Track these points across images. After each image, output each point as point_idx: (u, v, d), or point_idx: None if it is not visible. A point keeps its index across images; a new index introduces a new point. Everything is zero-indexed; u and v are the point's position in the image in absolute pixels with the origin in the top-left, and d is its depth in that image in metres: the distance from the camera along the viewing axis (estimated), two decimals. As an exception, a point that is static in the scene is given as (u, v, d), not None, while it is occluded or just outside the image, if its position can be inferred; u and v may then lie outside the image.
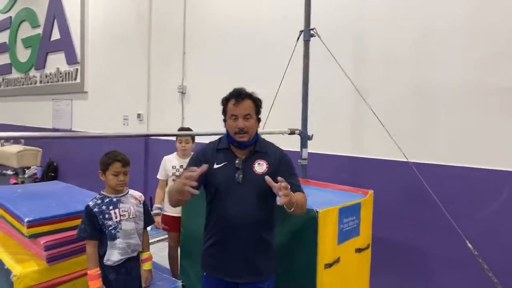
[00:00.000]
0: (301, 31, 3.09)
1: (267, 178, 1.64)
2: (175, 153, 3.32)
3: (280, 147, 2.02)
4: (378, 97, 3.32)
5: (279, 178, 1.62)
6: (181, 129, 3.58)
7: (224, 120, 1.93)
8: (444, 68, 3.04)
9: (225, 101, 1.90)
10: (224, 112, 1.91)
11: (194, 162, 1.93)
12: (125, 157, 2.25)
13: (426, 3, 3.15)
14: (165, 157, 3.31)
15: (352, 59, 3.50)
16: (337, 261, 2.26)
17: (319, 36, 3.03)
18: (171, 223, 3.22)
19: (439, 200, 2.74)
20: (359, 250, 2.49)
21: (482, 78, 2.88)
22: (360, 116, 3.44)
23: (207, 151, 1.95)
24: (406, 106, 3.24)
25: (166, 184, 3.27)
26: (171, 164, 3.24)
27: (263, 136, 3.37)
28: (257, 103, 1.89)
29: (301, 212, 1.84)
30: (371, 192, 2.62)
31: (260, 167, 1.86)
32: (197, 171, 1.61)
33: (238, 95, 1.84)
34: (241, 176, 1.83)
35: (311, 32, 3.04)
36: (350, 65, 3.42)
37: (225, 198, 1.84)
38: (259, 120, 1.93)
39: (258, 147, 1.92)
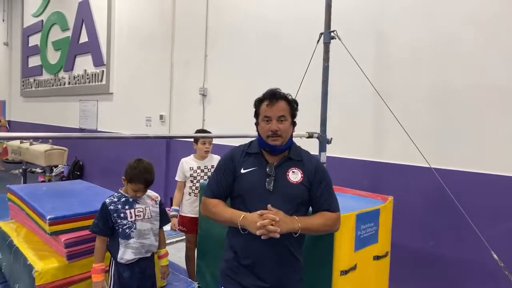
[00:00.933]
0: (321, 34, 3.05)
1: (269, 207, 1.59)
2: (192, 155, 3.35)
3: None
4: (400, 100, 3.24)
5: (268, 206, 1.58)
6: (201, 131, 3.58)
7: (256, 124, 1.78)
8: (470, 69, 2.93)
9: (258, 102, 1.75)
10: (257, 114, 1.77)
11: (225, 167, 1.78)
12: (151, 178, 2.28)
13: (448, 2, 3.04)
14: (183, 159, 3.34)
15: (373, 61, 3.43)
16: (353, 268, 2.21)
17: (339, 39, 2.99)
18: (188, 225, 3.24)
19: (463, 208, 2.64)
20: (377, 258, 2.42)
21: (510, 80, 2.75)
22: (381, 119, 3.36)
23: (235, 155, 1.79)
24: (430, 110, 3.14)
25: (184, 185, 3.30)
26: (189, 165, 3.26)
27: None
28: (292, 105, 1.74)
29: (317, 234, 1.78)
30: (390, 198, 2.55)
31: (295, 175, 1.70)
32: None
33: (273, 95, 1.70)
34: (272, 183, 1.67)
35: (332, 34, 3.00)
36: (371, 67, 3.36)
37: (253, 208, 1.64)
38: (294, 123, 1.77)
39: (293, 154, 1.76)
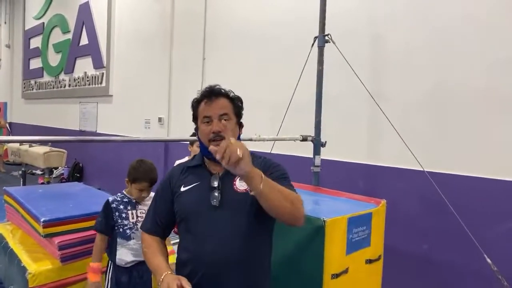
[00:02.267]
0: (315, 37, 3.06)
1: (211, 147, 1.22)
2: (187, 157, 3.36)
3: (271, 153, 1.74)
4: (395, 102, 3.25)
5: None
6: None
7: (196, 130, 1.53)
8: (466, 72, 2.93)
9: (196, 104, 1.50)
10: (195, 117, 1.51)
11: (161, 192, 1.55)
12: (154, 177, 2.30)
13: (443, 4, 3.05)
14: (177, 161, 3.36)
15: (368, 63, 3.44)
16: (345, 271, 2.22)
17: (333, 42, 3.00)
18: None
19: (457, 211, 2.64)
20: (369, 261, 2.42)
21: (507, 83, 2.75)
22: (376, 122, 3.37)
23: (174, 173, 1.54)
24: (424, 113, 3.15)
25: None
26: None
27: (275, 143, 3.35)
28: (236, 103, 1.49)
29: (277, 207, 1.29)
30: (383, 201, 2.55)
31: (243, 183, 1.36)
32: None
33: (211, 92, 1.45)
34: (217, 196, 1.39)
35: (326, 38, 3.01)
36: (366, 69, 3.37)
37: (198, 230, 1.39)
38: (240, 125, 1.52)
39: None
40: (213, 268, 1.36)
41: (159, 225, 1.53)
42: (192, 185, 1.45)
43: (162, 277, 1.32)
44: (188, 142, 3.41)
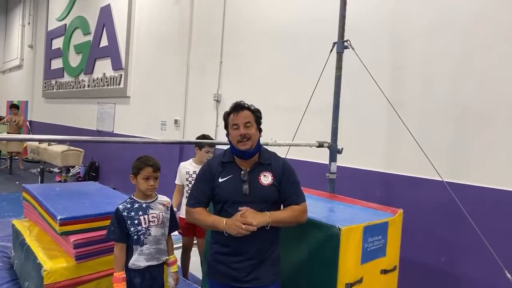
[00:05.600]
0: (334, 43, 3.04)
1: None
2: (191, 159, 3.41)
3: (283, 156, 2.10)
4: (415, 111, 3.19)
5: (239, 208, 1.85)
6: (205, 137, 3.43)
7: (227, 135, 1.99)
8: (489, 81, 2.87)
9: (227, 115, 1.98)
10: (226, 126, 1.99)
11: (204, 177, 2.01)
12: (156, 163, 2.29)
13: (465, 11, 3.00)
14: (182, 163, 3.42)
15: (388, 71, 3.40)
16: (359, 281, 2.17)
17: (353, 48, 2.97)
18: (184, 229, 3.25)
19: (476, 224, 2.56)
20: (384, 272, 2.37)
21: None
22: (394, 130, 3.32)
23: (213, 165, 2.01)
24: (445, 122, 3.08)
25: (183, 188, 3.37)
26: (185, 170, 3.34)
27: (291, 149, 3.36)
28: (256, 114, 1.97)
29: (288, 225, 1.96)
30: (400, 211, 2.50)
31: (266, 179, 1.94)
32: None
33: (237, 106, 1.95)
34: (247, 187, 1.89)
35: (345, 44, 2.98)
36: (386, 77, 3.33)
37: (233, 211, 1.89)
38: (260, 130, 1.99)
39: (262, 158, 1.98)
40: (242, 238, 1.81)
41: (203, 200, 1.99)
42: (227, 177, 1.94)
43: (224, 222, 1.84)
44: (196, 146, 3.42)
